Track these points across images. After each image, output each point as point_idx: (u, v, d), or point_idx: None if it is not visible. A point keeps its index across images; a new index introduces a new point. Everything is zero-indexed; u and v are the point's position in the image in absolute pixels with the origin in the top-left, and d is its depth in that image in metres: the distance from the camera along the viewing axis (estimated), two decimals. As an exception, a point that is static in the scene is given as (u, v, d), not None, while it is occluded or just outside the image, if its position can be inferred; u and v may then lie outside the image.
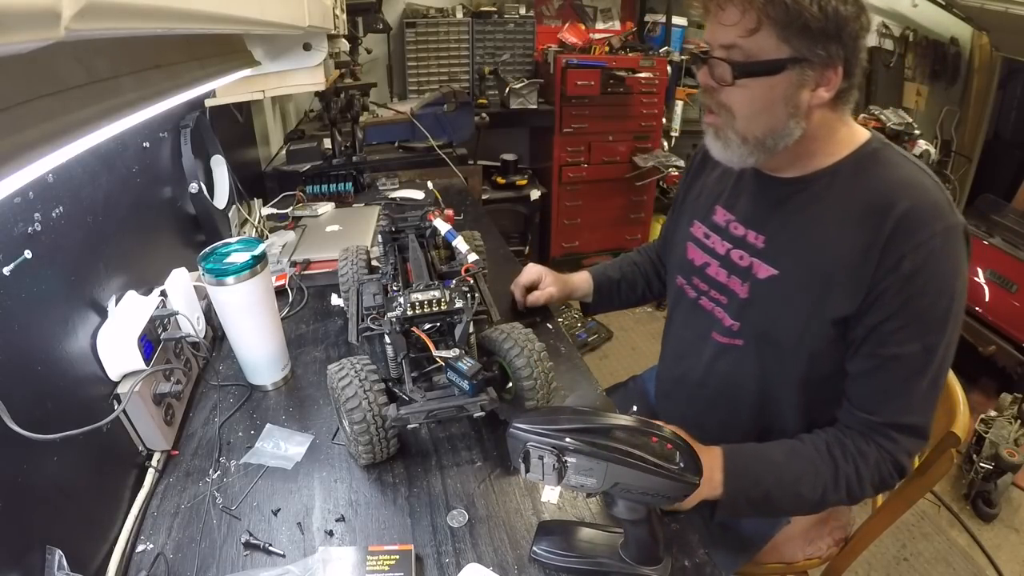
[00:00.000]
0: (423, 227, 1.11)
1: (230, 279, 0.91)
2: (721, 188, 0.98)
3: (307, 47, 1.25)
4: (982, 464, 1.87)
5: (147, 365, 0.81)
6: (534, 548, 0.73)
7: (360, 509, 0.80)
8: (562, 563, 0.71)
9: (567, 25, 3.06)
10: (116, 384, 0.81)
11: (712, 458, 0.82)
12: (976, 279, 2.39)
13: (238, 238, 0.99)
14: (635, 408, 1.21)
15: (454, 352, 0.82)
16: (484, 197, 2.88)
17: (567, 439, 0.61)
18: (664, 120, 3.17)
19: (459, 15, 2.90)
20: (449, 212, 1.63)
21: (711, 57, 0.79)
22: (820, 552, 1.06)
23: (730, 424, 0.98)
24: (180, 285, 0.99)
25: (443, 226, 1.06)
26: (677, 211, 1.13)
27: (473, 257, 1.01)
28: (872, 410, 0.82)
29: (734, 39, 0.75)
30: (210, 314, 1.09)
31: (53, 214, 0.71)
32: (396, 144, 2.32)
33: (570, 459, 0.62)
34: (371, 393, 0.79)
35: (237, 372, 1.05)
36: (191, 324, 0.96)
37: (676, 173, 3.27)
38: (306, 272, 1.40)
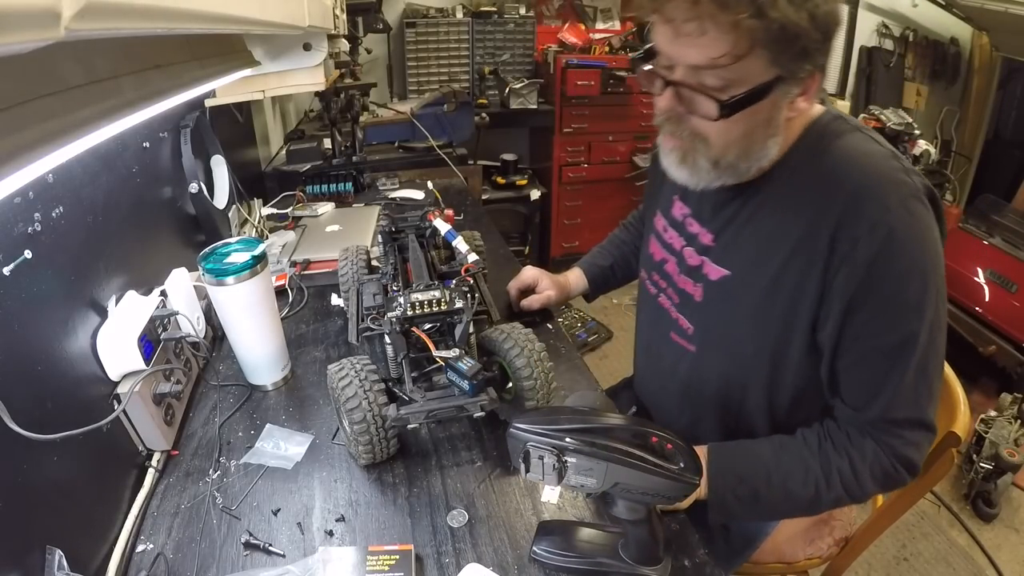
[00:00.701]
0: (423, 227, 1.11)
1: (230, 279, 0.91)
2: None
3: (307, 47, 1.25)
4: (982, 464, 1.87)
5: (147, 365, 0.81)
6: (534, 548, 0.73)
7: (360, 509, 0.80)
8: (562, 563, 0.71)
9: (567, 25, 3.06)
10: (116, 384, 0.81)
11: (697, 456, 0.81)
12: (976, 279, 2.39)
13: (238, 238, 0.99)
14: (634, 408, 1.21)
15: (454, 352, 0.82)
16: (484, 197, 2.88)
17: (567, 439, 0.61)
18: (664, 120, 3.17)
19: (459, 15, 2.90)
20: (449, 212, 1.63)
21: (681, 84, 0.68)
22: (820, 552, 1.06)
23: (698, 425, 0.95)
24: (180, 285, 0.99)
25: (443, 226, 1.06)
26: (647, 198, 1.07)
27: (473, 257, 1.01)
28: (860, 406, 0.76)
29: (711, 61, 0.63)
30: (210, 314, 1.09)
31: (53, 214, 0.71)
32: (396, 144, 2.32)
33: (570, 459, 0.62)
34: (371, 393, 0.79)
35: (237, 372, 1.05)
36: (191, 324, 0.96)
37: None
38: (306, 272, 1.40)
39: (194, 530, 0.77)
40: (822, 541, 1.06)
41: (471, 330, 0.87)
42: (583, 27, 3.10)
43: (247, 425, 0.95)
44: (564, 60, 2.82)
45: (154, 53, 0.63)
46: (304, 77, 1.28)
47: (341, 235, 1.56)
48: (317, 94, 2.06)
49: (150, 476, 0.83)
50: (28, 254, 0.65)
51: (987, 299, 2.36)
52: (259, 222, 1.62)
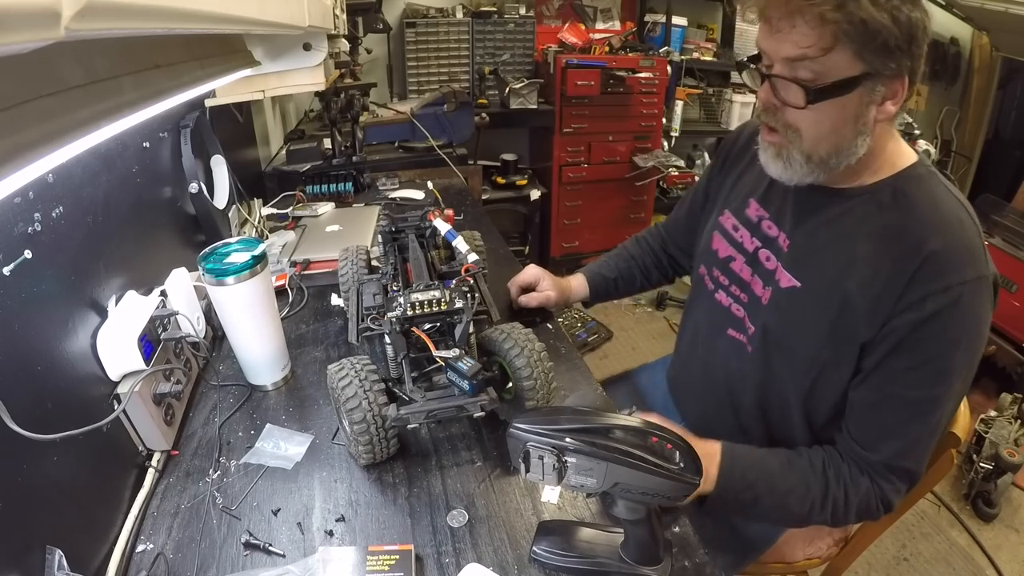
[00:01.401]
0: (423, 227, 1.11)
1: (230, 279, 0.91)
2: (759, 182, 0.95)
3: (307, 47, 1.25)
4: (982, 464, 1.88)
5: (147, 365, 0.81)
6: (534, 548, 0.73)
7: (360, 509, 0.80)
8: (562, 563, 0.71)
9: (567, 25, 3.06)
10: (116, 384, 0.81)
11: (710, 452, 0.82)
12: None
13: (238, 238, 0.99)
14: (634, 408, 1.21)
15: (454, 352, 0.82)
16: (484, 197, 2.88)
17: (567, 439, 0.61)
18: (664, 120, 3.17)
19: (459, 15, 2.90)
20: (449, 212, 1.63)
21: (775, 76, 0.74)
22: (820, 552, 1.06)
23: (734, 425, 0.98)
24: (180, 285, 0.99)
25: (443, 226, 1.06)
26: (704, 199, 1.10)
27: (473, 257, 1.01)
28: (870, 447, 0.81)
29: (802, 53, 0.70)
30: (210, 314, 1.09)
31: (53, 214, 0.71)
32: (396, 144, 2.32)
33: (570, 459, 0.62)
34: (371, 393, 0.79)
35: (237, 372, 1.05)
36: (191, 324, 0.96)
37: (676, 173, 3.28)
38: (306, 272, 1.40)
39: (194, 530, 0.77)
40: (822, 541, 1.07)
41: (471, 330, 0.87)
42: (583, 27, 3.10)
43: (247, 425, 0.95)
44: (564, 60, 2.82)
45: (154, 53, 0.63)
46: (304, 77, 1.28)
47: (341, 235, 1.56)
48: (317, 94, 2.05)
49: (150, 476, 0.83)
50: (28, 254, 0.65)
51: (987, 299, 2.35)
52: (259, 222, 1.62)
